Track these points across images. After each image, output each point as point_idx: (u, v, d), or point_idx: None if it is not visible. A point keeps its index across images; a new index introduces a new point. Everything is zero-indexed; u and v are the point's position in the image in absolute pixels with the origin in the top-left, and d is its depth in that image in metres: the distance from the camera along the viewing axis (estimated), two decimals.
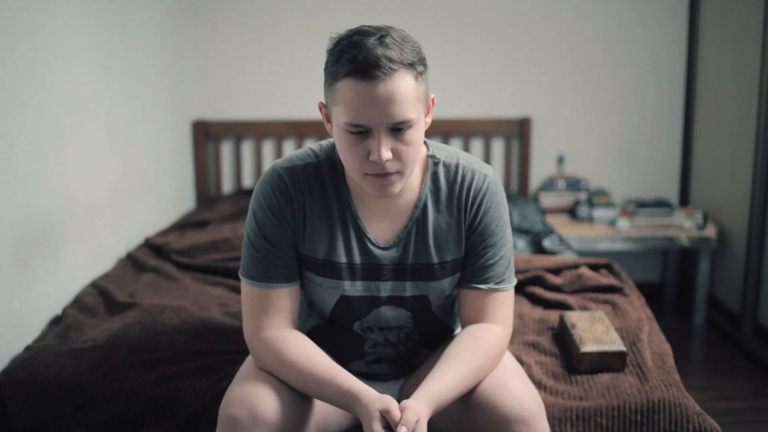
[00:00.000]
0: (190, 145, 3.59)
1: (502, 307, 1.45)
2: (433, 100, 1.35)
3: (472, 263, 1.44)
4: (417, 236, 1.43)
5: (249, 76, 3.66)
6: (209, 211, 3.27)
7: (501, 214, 1.45)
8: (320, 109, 1.38)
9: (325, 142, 1.46)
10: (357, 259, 1.42)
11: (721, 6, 3.47)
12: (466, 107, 3.70)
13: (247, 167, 3.71)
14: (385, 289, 1.45)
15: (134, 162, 2.79)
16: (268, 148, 3.69)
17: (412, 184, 1.42)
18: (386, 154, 1.27)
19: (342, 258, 1.42)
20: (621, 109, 3.76)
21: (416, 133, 1.30)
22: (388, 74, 1.23)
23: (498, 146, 3.75)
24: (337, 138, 1.32)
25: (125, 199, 2.68)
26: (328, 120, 1.36)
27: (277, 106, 3.67)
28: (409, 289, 1.45)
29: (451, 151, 1.46)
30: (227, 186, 3.73)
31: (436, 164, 1.44)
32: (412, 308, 1.48)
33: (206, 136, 3.62)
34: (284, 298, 1.42)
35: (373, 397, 1.26)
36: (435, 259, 1.43)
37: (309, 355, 1.35)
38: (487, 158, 3.67)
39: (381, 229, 1.43)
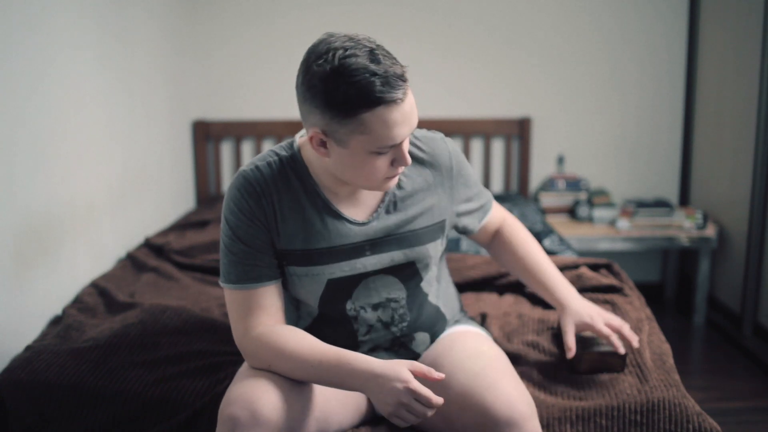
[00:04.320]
0: (190, 145, 3.59)
1: (499, 211, 1.74)
2: None
3: (464, 213, 1.61)
4: (394, 208, 1.48)
5: (249, 76, 3.66)
6: (209, 211, 3.27)
7: (467, 164, 1.60)
8: (311, 139, 1.33)
9: (283, 143, 1.49)
10: (336, 241, 1.44)
11: (721, 6, 3.47)
12: (466, 107, 3.70)
13: None
14: (371, 263, 1.47)
15: (134, 162, 2.79)
16: (268, 148, 3.68)
17: None
18: (409, 156, 1.37)
19: (321, 243, 1.43)
20: (621, 109, 3.76)
21: None
22: (405, 89, 1.28)
23: (498, 146, 3.75)
24: (357, 163, 1.32)
25: (125, 199, 2.68)
26: (323, 146, 1.33)
27: (277, 106, 3.67)
28: (394, 258, 1.48)
29: None
30: (227, 186, 3.72)
31: None
32: (401, 276, 1.51)
33: (206, 136, 3.62)
34: (269, 296, 1.42)
35: (389, 365, 1.27)
36: (415, 225, 1.49)
37: (306, 341, 1.36)
38: (487, 158, 3.68)
39: (356, 213, 1.46)
